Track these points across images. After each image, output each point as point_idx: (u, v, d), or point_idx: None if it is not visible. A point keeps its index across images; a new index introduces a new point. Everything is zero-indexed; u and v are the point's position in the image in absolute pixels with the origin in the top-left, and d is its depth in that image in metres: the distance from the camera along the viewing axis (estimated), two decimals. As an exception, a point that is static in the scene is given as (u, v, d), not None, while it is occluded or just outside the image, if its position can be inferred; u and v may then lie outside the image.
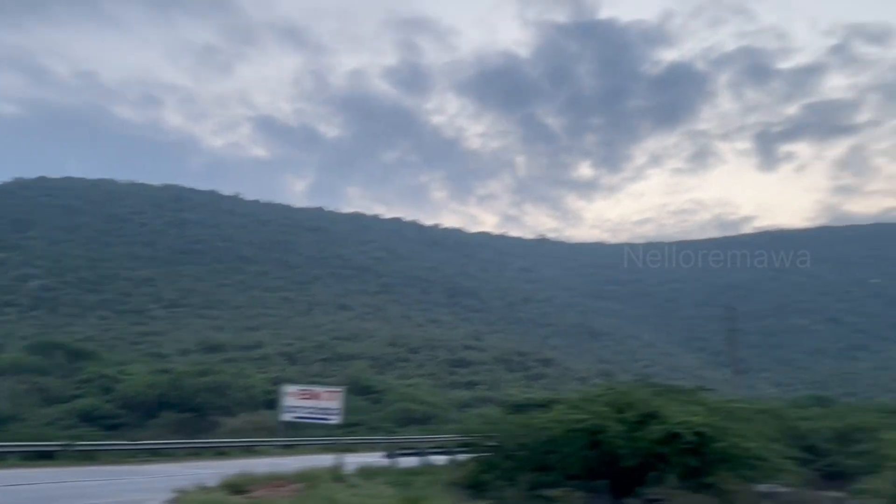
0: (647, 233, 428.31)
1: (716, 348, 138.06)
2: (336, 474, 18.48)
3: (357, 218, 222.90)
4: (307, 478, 17.72)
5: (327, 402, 21.41)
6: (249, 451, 30.96)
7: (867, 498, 17.84)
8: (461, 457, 22.46)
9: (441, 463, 24.22)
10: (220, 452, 30.70)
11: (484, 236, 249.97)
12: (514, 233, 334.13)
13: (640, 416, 19.69)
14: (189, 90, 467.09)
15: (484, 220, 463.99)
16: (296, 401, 21.92)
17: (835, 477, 26.08)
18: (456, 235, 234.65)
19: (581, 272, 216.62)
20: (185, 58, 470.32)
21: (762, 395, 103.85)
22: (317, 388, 23.27)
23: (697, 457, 19.00)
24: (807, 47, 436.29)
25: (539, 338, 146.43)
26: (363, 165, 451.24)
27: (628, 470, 18.84)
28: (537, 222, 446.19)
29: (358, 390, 73.50)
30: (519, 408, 28.47)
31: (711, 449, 19.06)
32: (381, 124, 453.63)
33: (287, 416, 21.50)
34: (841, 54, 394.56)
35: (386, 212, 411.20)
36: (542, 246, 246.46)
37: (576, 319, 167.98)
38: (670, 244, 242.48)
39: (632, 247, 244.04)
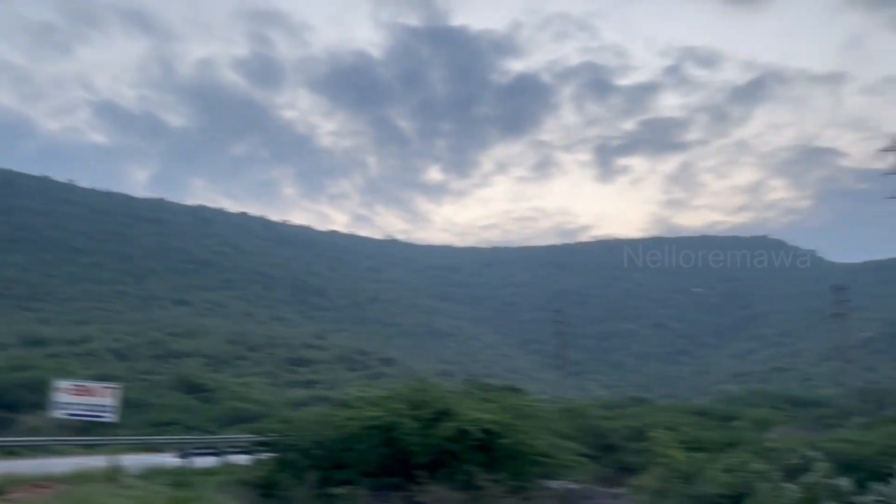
0: (493, 238, 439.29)
1: (552, 350, 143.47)
2: (111, 475, 17.86)
3: (201, 211, 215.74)
4: (79, 478, 17.03)
5: (101, 399, 20.52)
6: (47, 450, 29.38)
7: (638, 493, 19.03)
8: (264, 456, 22.24)
9: (243, 463, 23.91)
10: (11, 452, 28.96)
11: (333, 235, 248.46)
12: (364, 233, 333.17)
13: (434, 413, 20.19)
14: (23, 69, 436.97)
15: (335, 218, 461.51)
16: (68, 397, 20.87)
17: (629, 473, 27.55)
18: (305, 233, 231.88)
19: (428, 274, 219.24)
20: (20, 35, 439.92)
21: (591, 395, 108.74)
22: (90, 384, 22.23)
23: (486, 453, 19.73)
24: (644, 66, 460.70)
25: (383, 337, 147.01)
26: (210, 157, 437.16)
27: (421, 467, 19.30)
28: (387, 223, 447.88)
29: (188, 388, 71.37)
30: (346, 406, 28.53)
31: (499, 445, 19.84)
32: (231, 116, 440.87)
33: (59, 413, 20.40)
34: (674, 75, 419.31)
35: (233, 206, 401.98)
36: (392, 247, 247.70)
37: (420, 320, 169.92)
38: (513, 249, 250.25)
39: (478, 251, 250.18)
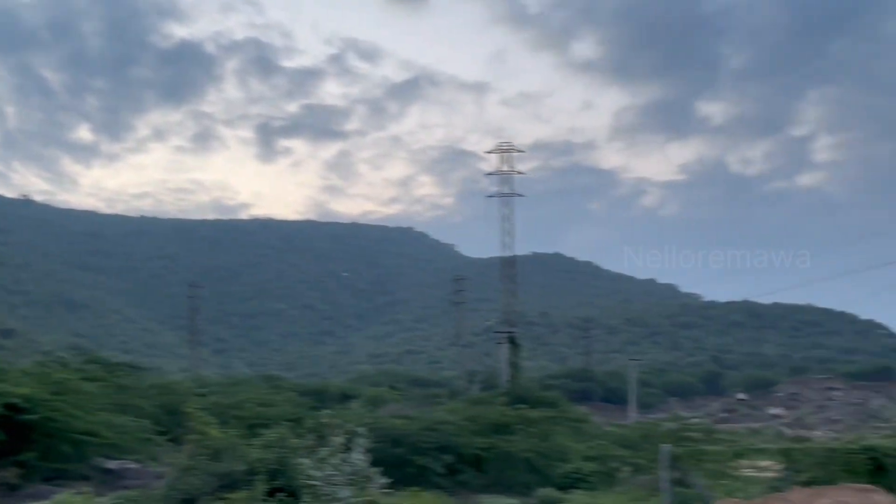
0: (145, 207, 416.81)
1: (197, 327, 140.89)
2: None
3: None
4: None
5: None
6: None
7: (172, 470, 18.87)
8: None
9: None
10: None
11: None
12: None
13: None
14: None
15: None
16: None
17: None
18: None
19: (68, 240, 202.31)
20: None
21: (231, 372, 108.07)
22: None
23: (11, 431, 18.39)
24: (308, 51, 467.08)
25: (6, 307, 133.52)
26: None
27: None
28: (26, 182, 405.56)
29: None
30: None
31: (28, 423, 18.60)
32: None
33: None
34: (337, 64, 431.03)
35: None
36: (26, 207, 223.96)
37: (53, 289, 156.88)
38: (165, 220, 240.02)
39: (126, 219, 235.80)
